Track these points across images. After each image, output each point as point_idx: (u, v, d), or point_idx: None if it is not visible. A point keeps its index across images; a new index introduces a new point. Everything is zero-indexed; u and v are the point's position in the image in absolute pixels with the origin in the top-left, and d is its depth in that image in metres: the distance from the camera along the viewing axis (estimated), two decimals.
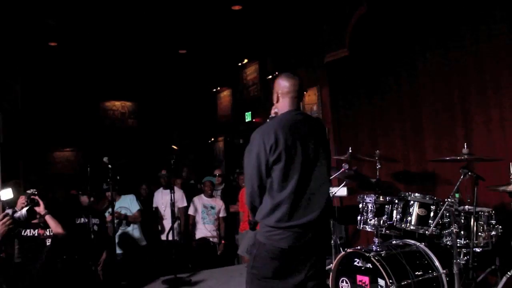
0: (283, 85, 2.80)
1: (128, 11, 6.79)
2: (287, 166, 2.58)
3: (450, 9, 4.79)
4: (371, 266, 3.64)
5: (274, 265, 2.62)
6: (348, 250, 3.88)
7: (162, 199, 6.59)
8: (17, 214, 2.93)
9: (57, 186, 7.80)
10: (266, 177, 2.61)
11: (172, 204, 5.66)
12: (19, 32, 7.01)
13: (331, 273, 4.00)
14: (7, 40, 5.99)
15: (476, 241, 3.68)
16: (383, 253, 3.67)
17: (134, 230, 6.07)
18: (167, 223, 6.39)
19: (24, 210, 2.96)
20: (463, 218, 3.67)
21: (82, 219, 5.50)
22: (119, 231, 5.94)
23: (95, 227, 5.71)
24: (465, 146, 3.66)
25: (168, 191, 6.00)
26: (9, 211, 2.97)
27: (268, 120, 2.83)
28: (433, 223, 3.72)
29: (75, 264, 5.00)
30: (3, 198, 3.26)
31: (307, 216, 2.59)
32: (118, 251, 5.80)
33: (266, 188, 2.63)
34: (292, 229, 2.57)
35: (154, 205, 6.72)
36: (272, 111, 2.86)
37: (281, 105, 2.81)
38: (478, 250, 3.70)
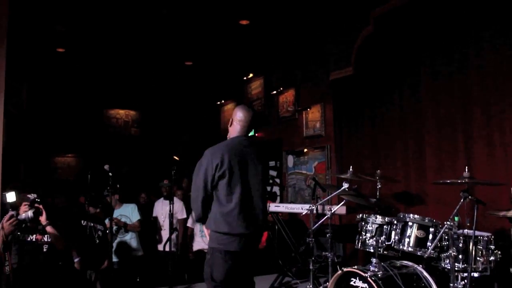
0: (239, 114, 3.33)
1: (137, 21, 6.86)
2: (230, 182, 3.11)
3: (455, 30, 4.83)
4: (367, 286, 3.61)
5: (226, 267, 3.09)
6: (345, 269, 3.85)
7: (162, 209, 6.58)
8: (22, 216, 2.98)
9: (56, 191, 7.80)
10: (210, 189, 3.14)
11: (171, 215, 5.66)
12: (28, 37, 7.08)
13: None
14: (16, 44, 6.04)
15: (474, 266, 3.64)
16: (380, 273, 3.63)
17: (131, 240, 6.08)
18: (165, 233, 6.37)
19: (30, 212, 3.01)
20: (462, 242, 3.63)
21: (88, 223, 5.54)
22: (117, 239, 5.94)
23: (100, 233, 5.74)
24: (466, 170, 3.65)
25: (168, 201, 6.01)
26: (13, 213, 3.00)
27: None
28: (431, 245, 3.69)
29: (72, 271, 4.99)
30: (9, 200, 3.33)
31: (250, 225, 3.14)
32: (114, 259, 5.79)
33: (209, 198, 3.16)
34: (239, 236, 3.10)
35: (154, 215, 6.72)
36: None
37: (233, 130, 3.36)
38: (476, 275, 3.67)
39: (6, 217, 2.93)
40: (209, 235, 3.26)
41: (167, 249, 5.92)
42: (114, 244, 5.84)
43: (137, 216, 6.09)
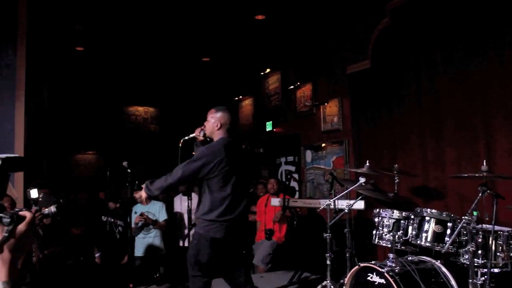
0: (226, 117, 3.84)
1: (154, 19, 6.91)
2: (225, 178, 3.60)
3: (475, 21, 4.72)
4: (384, 282, 3.59)
5: (211, 252, 3.56)
6: (362, 265, 3.83)
7: (181, 205, 6.62)
8: (46, 211, 3.08)
9: (78, 188, 7.94)
10: (186, 183, 4.08)
11: (189, 211, 5.70)
12: (48, 37, 7.19)
13: (344, 287, 3.96)
14: (36, 44, 6.15)
15: (494, 261, 3.58)
16: (397, 269, 3.61)
17: (155, 238, 6.05)
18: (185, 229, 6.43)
19: (53, 207, 3.12)
20: (481, 236, 3.57)
21: (108, 218, 5.61)
22: (140, 235, 5.98)
23: (120, 228, 5.82)
24: (484, 163, 3.58)
25: (186, 197, 6.05)
26: (37, 207, 3.12)
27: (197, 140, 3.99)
28: (449, 240, 3.64)
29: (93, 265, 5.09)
30: (32, 197, 3.51)
31: (234, 214, 3.65)
32: (138, 254, 5.85)
33: (177, 188, 4.06)
34: (225, 223, 3.59)
35: (175, 211, 6.76)
36: (197, 132, 3.95)
37: (221, 132, 3.83)
38: (496, 270, 3.60)
39: (32, 211, 3.04)
40: (198, 222, 3.76)
41: (186, 244, 5.99)
42: (137, 239, 5.90)
43: (164, 215, 6.10)
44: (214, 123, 3.84)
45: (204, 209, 3.63)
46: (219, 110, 3.90)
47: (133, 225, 5.92)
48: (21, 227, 1.35)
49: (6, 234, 1.31)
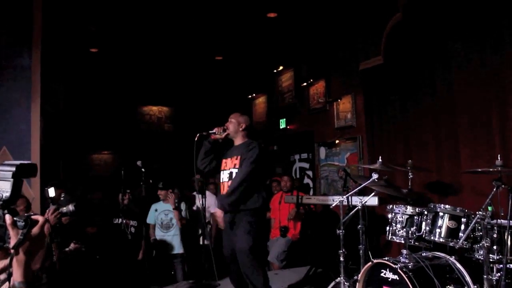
0: (248, 121, 4.35)
1: (167, 19, 6.95)
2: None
3: (489, 17, 4.65)
4: (397, 278, 3.56)
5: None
6: (375, 261, 3.81)
7: (197, 203, 6.66)
8: (64, 209, 3.15)
9: (94, 188, 8.03)
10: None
11: (204, 209, 5.73)
12: (63, 38, 7.28)
13: (357, 283, 3.94)
14: (51, 46, 6.24)
15: (510, 257, 3.52)
16: (410, 265, 3.58)
17: (174, 237, 6.01)
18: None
19: (71, 206, 3.18)
20: (496, 232, 3.52)
21: (120, 220, 5.66)
22: (160, 233, 6.01)
23: (132, 229, 5.86)
24: (499, 158, 3.53)
25: (201, 196, 6.07)
26: (55, 206, 3.19)
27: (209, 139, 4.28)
28: (463, 236, 3.60)
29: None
30: (50, 195, 3.63)
31: None
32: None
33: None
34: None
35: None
36: (219, 130, 4.23)
37: (244, 134, 4.29)
38: None
39: (51, 209, 3.13)
40: (254, 214, 4.06)
41: (201, 243, 6.02)
42: (158, 239, 5.95)
43: (186, 216, 6.12)
44: (239, 124, 4.24)
45: (258, 202, 4.13)
46: (243, 114, 4.35)
47: (151, 222, 5.98)
48: (35, 230, 1.41)
49: (21, 237, 1.37)
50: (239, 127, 4.25)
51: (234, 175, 4.10)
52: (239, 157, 4.14)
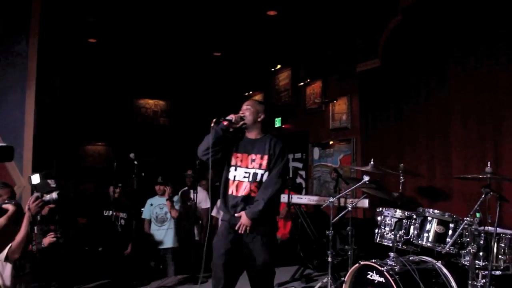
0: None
1: (166, 12, 6.93)
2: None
3: (486, 24, 4.68)
4: (384, 280, 3.57)
5: None
6: (362, 263, 3.82)
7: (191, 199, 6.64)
8: (47, 197, 3.07)
9: (87, 178, 8.02)
10: None
11: (194, 204, 5.74)
12: (61, 28, 7.26)
13: (344, 284, 3.95)
14: (49, 35, 6.22)
15: (496, 264, 3.54)
16: (397, 268, 3.59)
17: (168, 231, 6.00)
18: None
19: (55, 194, 3.09)
20: (483, 238, 3.54)
21: (110, 212, 5.66)
22: (155, 227, 6.00)
23: (122, 221, 5.86)
24: (489, 165, 3.56)
25: (192, 191, 6.08)
26: (38, 194, 3.10)
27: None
28: (450, 241, 3.62)
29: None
30: (33, 182, 3.45)
31: None
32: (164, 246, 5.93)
33: None
34: None
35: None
36: (235, 117, 3.58)
37: (260, 125, 3.70)
38: (497, 273, 3.57)
39: (32, 198, 3.02)
40: (272, 222, 3.73)
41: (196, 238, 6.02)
42: (152, 232, 5.96)
43: (178, 208, 6.10)
44: (258, 113, 3.68)
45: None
46: (261, 102, 3.84)
47: (146, 217, 5.98)
48: (1, 221, 1.31)
49: None
50: (258, 116, 3.66)
51: (259, 176, 3.56)
52: (265, 157, 3.58)
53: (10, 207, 1.39)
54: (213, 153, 3.52)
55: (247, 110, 3.65)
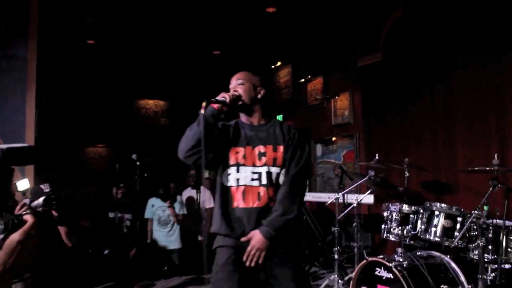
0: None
1: (164, 12, 6.90)
2: None
3: (491, 18, 4.62)
4: (392, 277, 3.54)
5: None
6: (370, 259, 3.79)
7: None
8: (33, 204, 2.99)
9: (89, 181, 7.99)
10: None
11: (198, 204, 5.70)
12: (60, 30, 7.22)
13: (351, 281, 3.92)
14: (48, 37, 6.18)
15: (505, 257, 3.50)
16: (405, 263, 3.56)
17: (172, 232, 6.01)
18: None
19: (41, 199, 3.00)
20: (491, 232, 3.50)
21: (116, 214, 5.63)
22: (158, 228, 5.98)
23: (127, 222, 5.84)
24: (496, 157, 3.51)
25: (195, 191, 6.05)
26: (27, 200, 3.02)
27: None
28: (458, 235, 3.58)
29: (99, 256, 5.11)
30: (20, 189, 3.27)
31: None
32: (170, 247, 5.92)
33: None
34: None
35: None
36: (228, 96, 2.51)
37: (260, 105, 2.65)
38: (507, 266, 3.53)
39: (19, 206, 2.93)
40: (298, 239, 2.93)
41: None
42: (155, 232, 5.92)
43: (184, 210, 6.10)
44: (256, 88, 2.61)
45: None
46: (256, 74, 2.68)
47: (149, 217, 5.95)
48: (15, 236, 1.09)
49: None
50: (257, 92, 2.60)
51: (274, 176, 2.47)
52: (281, 148, 2.51)
53: (29, 218, 1.16)
54: (204, 149, 2.39)
55: (240, 86, 2.59)
